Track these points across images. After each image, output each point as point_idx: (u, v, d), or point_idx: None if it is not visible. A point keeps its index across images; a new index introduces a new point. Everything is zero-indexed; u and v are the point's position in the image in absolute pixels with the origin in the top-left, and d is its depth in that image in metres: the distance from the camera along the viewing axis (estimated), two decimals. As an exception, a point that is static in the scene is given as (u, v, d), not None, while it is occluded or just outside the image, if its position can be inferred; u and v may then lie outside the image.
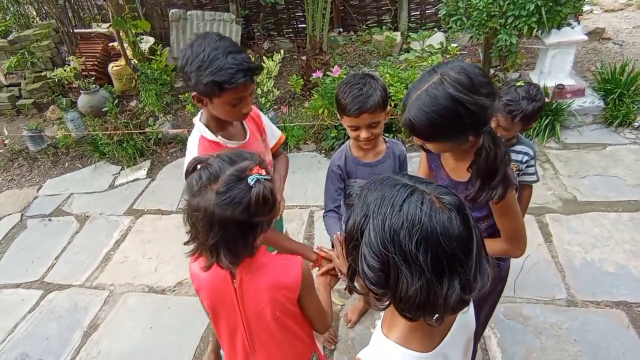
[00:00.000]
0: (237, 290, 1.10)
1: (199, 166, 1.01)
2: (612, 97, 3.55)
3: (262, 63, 3.90)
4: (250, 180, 0.96)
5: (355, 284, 0.84)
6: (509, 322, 2.12)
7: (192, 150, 1.40)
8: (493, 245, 1.28)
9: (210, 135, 1.40)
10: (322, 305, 1.22)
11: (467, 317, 0.93)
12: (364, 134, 1.49)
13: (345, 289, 2.19)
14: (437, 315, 0.73)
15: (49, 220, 3.43)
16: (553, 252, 2.47)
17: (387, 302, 0.76)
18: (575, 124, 3.56)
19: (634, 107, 3.47)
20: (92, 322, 2.48)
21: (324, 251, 1.39)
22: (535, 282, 2.30)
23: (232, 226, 0.96)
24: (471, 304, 0.88)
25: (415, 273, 0.69)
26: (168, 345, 2.27)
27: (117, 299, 2.61)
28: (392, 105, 3.07)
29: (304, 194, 3.23)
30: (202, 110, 1.45)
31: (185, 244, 1.03)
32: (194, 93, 1.31)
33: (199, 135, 1.41)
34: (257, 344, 1.18)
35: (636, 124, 3.44)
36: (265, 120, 1.67)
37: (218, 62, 1.21)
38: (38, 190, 3.87)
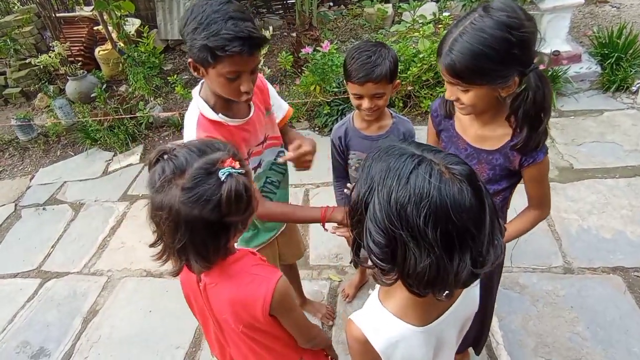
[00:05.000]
0: (202, 293, 1.03)
1: (164, 157, 0.88)
2: (609, 61, 3.47)
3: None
4: (222, 175, 0.84)
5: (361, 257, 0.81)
6: (505, 292, 2.12)
7: (190, 131, 1.25)
8: (524, 222, 1.26)
9: (210, 114, 1.25)
10: (303, 323, 1.11)
11: (471, 295, 0.90)
12: (366, 104, 1.43)
13: (350, 262, 2.20)
14: (447, 291, 0.69)
15: (44, 209, 3.41)
16: (549, 221, 2.46)
17: (394, 278, 0.73)
18: (571, 90, 3.49)
19: (631, 71, 3.40)
20: (91, 308, 2.49)
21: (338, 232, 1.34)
22: (531, 251, 2.29)
23: (201, 227, 0.85)
24: (478, 283, 0.85)
25: (424, 249, 0.65)
26: (168, 328, 2.28)
27: (116, 285, 2.62)
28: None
29: (298, 173, 3.19)
30: (202, 81, 1.31)
31: (150, 246, 0.93)
32: (189, 59, 1.17)
33: (197, 114, 1.26)
34: (230, 341, 1.11)
35: (634, 88, 3.38)
36: (272, 91, 1.52)
37: (215, 26, 1.07)
38: (31, 179, 3.84)
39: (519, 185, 1.27)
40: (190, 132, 1.25)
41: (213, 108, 1.26)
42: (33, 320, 2.48)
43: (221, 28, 1.07)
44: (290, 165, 1.55)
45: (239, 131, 1.33)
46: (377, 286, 0.90)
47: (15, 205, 3.52)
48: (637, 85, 3.39)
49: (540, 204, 1.25)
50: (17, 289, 2.72)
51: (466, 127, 1.24)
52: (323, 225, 1.38)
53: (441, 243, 0.64)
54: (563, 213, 2.50)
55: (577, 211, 2.50)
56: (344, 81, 1.50)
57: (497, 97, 1.08)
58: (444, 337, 0.87)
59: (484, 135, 1.19)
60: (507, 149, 1.16)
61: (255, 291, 0.97)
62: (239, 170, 0.88)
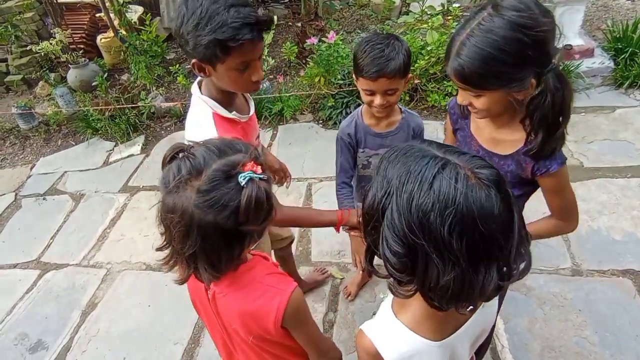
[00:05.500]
0: (211, 302, 0.98)
1: (179, 155, 0.83)
2: (622, 57, 3.37)
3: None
4: (242, 179, 0.78)
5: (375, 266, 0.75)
6: (512, 293, 2.07)
7: (209, 133, 1.14)
8: (543, 227, 1.17)
9: (224, 112, 1.19)
10: (317, 337, 1.05)
11: (488, 308, 0.85)
12: (378, 101, 1.36)
13: (362, 270, 2.15)
14: (471, 306, 0.65)
15: (44, 199, 3.37)
16: (558, 221, 2.40)
17: (413, 290, 0.67)
18: (583, 86, 3.40)
19: (646, 67, 3.30)
20: (90, 301, 2.46)
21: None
22: (539, 252, 2.23)
23: (215, 234, 0.79)
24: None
25: (448, 262, 0.60)
26: (167, 322, 2.25)
27: (115, 278, 2.59)
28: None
29: (301, 166, 3.14)
30: (199, 80, 1.24)
31: (157, 250, 0.87)
32: (193, 60, 1.09)
33: (211, 113, 1.19)
34: (239, 349, 1.07)
35: (648, 85, 3.29)
36: None
37: (219, 17, 1.00)
38: (31, 168, 3.80)
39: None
40: (209, 135, 1.13)
41: (222, 105, 1.20)
42: (31, 312, 2.45)
43: (226, 18, 1.00)
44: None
45: (250, 128, 1.32)
46: (390, 294, 0.85)
47: (16, 194, 3.49)
48: (652, 82, 3.29)
49: (563, 216, 1.16)
50: (17, 280, 2.69)
51: (481, 128, 1.17)
52: (337, 229, 1.35)
53: (467, 255, 0.59)
54: (572, 213, 2.43)
55: (587, 211, 2.43)
56: (354, 76, 1.42)
57: (514, 100, 1.00)
58: (458, 351, 0.82)
59: (498, 138, 1.12)
60: (520, 155, 1.08)
61: (268, 304, 0.92)
62: (261, 176, 0.81)
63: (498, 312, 0.86)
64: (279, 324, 0.92)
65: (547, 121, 0.98)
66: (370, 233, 0.70)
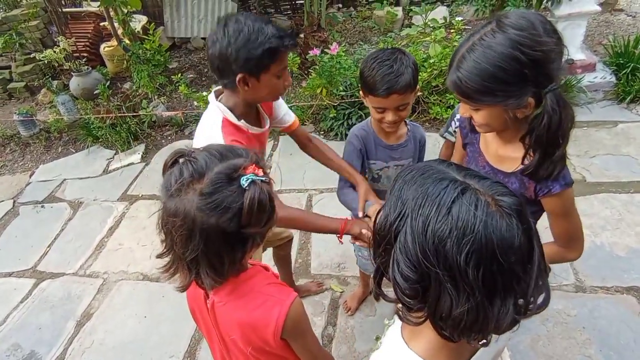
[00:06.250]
0: (210, 311, 0.96)
1: (180, 160, 0.83)
2: (624, 71, 3.37)
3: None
4: (244, 181, 0.78)
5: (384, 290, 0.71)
6: (515, 309, 2.03)
7: (215, 134, 1.24)
8: (545, 252, 1.14)
9: (233, 118, 1.28)
10: (316, 350, 1.03)
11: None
12: (390, 117, 1.34)
13: (370, 293, 2.13)
14: (484, 340, 0.61)
15: (42, 206, 3.35)
16: (561, 236, 2.37)
17: (423, 318, 0.64)
18: (585, 100, 3.39)
19: (647, 82, 3.30)
20: (85, 312, 2.42)
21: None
22: (542, 267, 2.20)
23: (217, 238, 0.79)
24: None
25: (462, 292, 0.56)
26: (163, 334, 2.21)
27: (111, 288, 2.55)
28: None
29: (302, 177, 3.12)
30: (217, 89, 1.36)
31: (158, 257, 0.86)
32: (239, 76, 1.19)
33: (221, 118, 1.27)
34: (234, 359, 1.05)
35: (649, 100, 3.28)
36: (278, 102, 1.53)
37: (265, 31, 1.16)
38: (31, 176, 3.78)
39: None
40: (215, 136, 1.24)
41: (235, 115, 1.30)
42: (25, 322, 2.41)
43: (271, 31, 1.17)
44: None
45: (255, 140, 1.38)
46: (396, 318, 0.82)
47: (14, 201, 3.47)
48: (654, 97, 3.29)
49: (565, 243, 1.10)
50: (12, 289, 2.66)
51: (488, 143, 1.15)
52: (340, 237, 1.34)
53: (483, 286, 0.56)
54: (575, 228, 2.41)
55: (589, 226, 2.40)
56: (362, 94, 1.40)
57: (514, 116, 0.97)
58: None
59: (503, 155, 1.10)
60: (521, 173, 1.05)
61: (267, 314, 0.90)
62: (263, 178, 0.82)
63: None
64: (278, 335, 0.90)
65: (542, 142, 0.95)
66: (381, 255, 0.67)
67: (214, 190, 0.77)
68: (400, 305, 0.66)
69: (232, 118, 1.28)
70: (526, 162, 1.01)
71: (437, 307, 0.59)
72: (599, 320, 1.95)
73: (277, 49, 1.17)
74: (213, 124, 1.27)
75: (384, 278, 0.70)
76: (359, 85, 1.40)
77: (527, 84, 0.90)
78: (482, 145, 1.17)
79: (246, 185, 0.78)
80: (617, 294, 2.06)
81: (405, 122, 1.53)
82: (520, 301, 0.59)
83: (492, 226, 0.56)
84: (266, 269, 1.03)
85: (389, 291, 0.68)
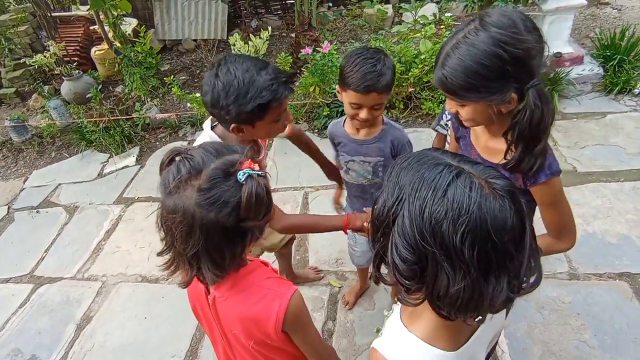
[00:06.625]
0: (211, 307, 0.97)
1: (177, 158, 0.84)
2: (611, 64, 3.43)
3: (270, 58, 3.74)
4: (241, 176, 0.80)
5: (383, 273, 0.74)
6: (511, 298, 2.07)
7: None
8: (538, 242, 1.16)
9: None
10: (317, 343, 1.04)
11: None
12: (364, 115, 1.36)
13: (369, 278, 2.15)
14: (479, 317, 0.64)
15: (37, 212, 3.34)
16: (554, 225, 2.41)
17: (421, 298, 0.67)
18: (573, 92, 3.45)
19: (634, 73, 3.36)
20: (85, 315, 2.43)
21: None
22: (536, 257, 2.24)
23: (217, 232, 0.80)
24: None
25: (458, 271, 0.59)
26: (164, 335, 2.22)
27: (110, 290, 2.55)
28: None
29: (297, 176, 3.14)
30: (212, 119, 1.33)
31: (158, 254, 0.87)
32: (232, 125, 1.18)
33: None
34: (238, 356, 1.06)
35: (636, 91, 3.34)
36: None
37: (256, 84, 1.11)
38: (24, 181, 3.77)
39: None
40: None
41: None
42: (25, 328, 2.41)
43: (263, 83, 1.11)
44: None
45: None
46: (395, 308, 0.84)
47: (8, 208, 3.45)
48: (640, 88, 3.35)
49: (556, 233, 1.11)
50: (10, 295, 2.65)
51: (479, 136, 1.18)
52: (345, 232, 1.40)
53: (478, 264, 0.59)
54: (567, 217, 2.45)
55: (581, 215, 2.45)
56: (338, 88, 1.42)
57: (498, 112, 1.00)
58: (475, 356, 0.81)
59: (493, 147, 1.13)
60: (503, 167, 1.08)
61: (268, 307, 0.91)
62: (259, 172, 0.83)
63: (507, 313, 0.86)
64: (279, 328, 0.92)
65: (524, 137, 0.98)
66: (379, 239, 0.69)
67: (211, 186, 0.78)
68: (399, 288, 0.68)
69: None
70: (508, 157, 1.04)
71: (434, 287, 0.62)
72: (593, 307, 1.99)
73: (268, 104, 1.13)
74: None
75: (383, 263, 0.72)
76: (338, 79, 1.42)
77: (510, 80, 0.93)
78: (473, 138, 1.21)
79: (243, 179, 0.80)
80: (610, 280, 2.10)
81: (383, 120, 1.53)
82: (514, 280, 0.62)
83: (486, 207, 0.59)
84: (265, 264, 1.05)
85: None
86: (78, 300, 2.52)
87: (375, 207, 0.69)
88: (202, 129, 1.38)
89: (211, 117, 1.34)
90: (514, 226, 0.60)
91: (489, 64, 0.90)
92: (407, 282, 0.65)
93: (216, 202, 0.78)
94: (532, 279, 0.65)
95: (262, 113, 1.15)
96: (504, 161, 1.08)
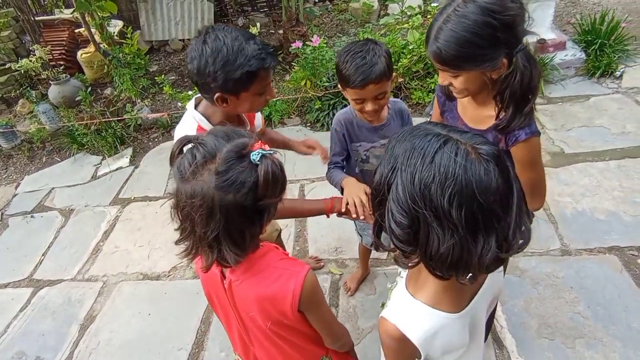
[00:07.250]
0: (227, 291, 1.00)
1: (189, 145, 0.86)
2: (593, 48, 3.54)
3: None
4: (255, 156, 0.82)
5: (382, 240, 0.79)
6: (506, 276, 2.14)
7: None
8: None
9: (208, 126, 1.28)
10: (331, 320, 1.07)
11: (496, 274, 0.89)
12: (370, 107, 1.38)
13: (370, 246, 2.19)
14: (470, 274, 0.68)
15: (32, 216, 3.32)
16: (545, 205, 2.49)
17: (416, 260, 0.72)
18: (558, 77, 3.55)
19: (614, 56, 3.47)
20: (88, 315, 2.43)
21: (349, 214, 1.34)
22: (529, 236, 2.32)
23: (237, 213, 0.82)
24: None
25: (447, 230, 0.64)
26: (169, 329, 2.24)
27: (112, 289, 2.56)
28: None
29: (292, 169, 3.17)
30: (196, 99, 1.33)
31: (176, 243, 0.89)
32: (217, 94, 1.17)
33: (195, 126, 1.27)
34: (254, 340, 1.09)
35: (618, 73, 3.45)
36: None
37: (245, 52, 1.11)
38: (16, 187, 3.73)
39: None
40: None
41: (211, 122, 1.29)
42: (27, 330, 2.41)
43: (251, 51, 1.12)
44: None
45: None
46: (399, 280, 0.89)
47: (2, 214, 3.42)
48: (621, 70, 3.46)
49: (529, 193, 1.17)
50: (9, 299, 2.64)
51: (465, 107, 1.24)
52: (328, 216, 1.40)
53: (465, 224, 0.63)
54: (557, 197, 2.54)
55: (570, 194, 2.53)
56: (340, 88, 1.44)
57: (490, 78, 1.07)
58: (476, 317, 0.86)
59: (479, 115, 1.19)
60: (494, 129, 1.15)
61: (284, 286, 0.94)
62: (271, 151, 0.85)
63: (504, 272, 0.91)
64: (295, 307, 0.94)
65: (516, 97, 1.05)
66: (378, 207, 0.74)
67: (227, 168, 0.80)
68: (397, 252, 0.73)
69: (206, 125, 1.27)
70: (501, 117, 1.11)
71: (427, 247, 0.67)
72: (585, 280, 2.07)
73: (256, 71, 1.13)
74: (187, 132, 1.26)
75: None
76: (337, 78, 1.44)
77: (501, 46, 1.00)
78: (460, 109, 1.27)
79: (257, 159, 0.82)
80: (600, 255, 2.18)
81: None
82: (503, 240, 0.66)
83: (471, 170, 0.63)
84: (277, 247, 1.07)
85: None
86: (80, 301, 2.53)
87: (374, 177, 0.74)
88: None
89: (195, 97, 1.35)
90: (499, 188, 0.64)
91: (482, 32, 0.97)
92: (402, 245, 0.69)
93: (234, 183, 0.80)
94: (521, 239, 0.68)
95: (249, 82, 1.15)
96: (490, 125, 1.15)
